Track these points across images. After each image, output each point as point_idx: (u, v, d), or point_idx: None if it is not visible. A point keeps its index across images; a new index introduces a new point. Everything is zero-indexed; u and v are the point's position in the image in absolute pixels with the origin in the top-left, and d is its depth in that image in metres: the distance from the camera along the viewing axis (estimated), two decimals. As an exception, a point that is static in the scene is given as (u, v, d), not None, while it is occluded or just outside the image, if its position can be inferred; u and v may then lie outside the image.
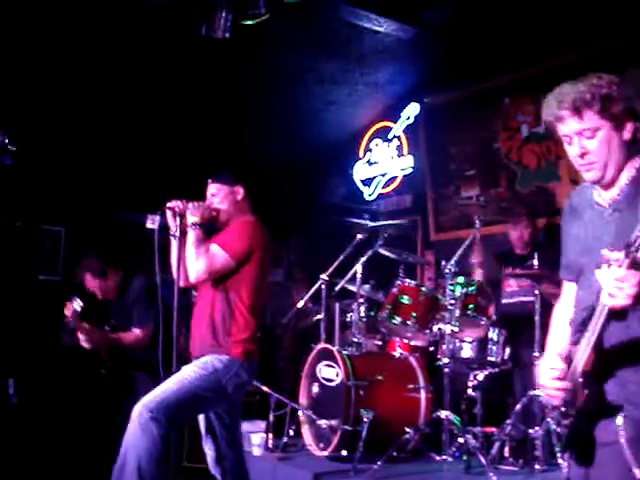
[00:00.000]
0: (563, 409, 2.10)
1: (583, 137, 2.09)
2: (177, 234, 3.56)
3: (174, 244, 3.59)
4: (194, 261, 3.52)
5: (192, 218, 3.58)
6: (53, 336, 7.27)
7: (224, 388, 3.47)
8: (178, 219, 3.57)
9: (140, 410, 3.28)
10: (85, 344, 4.72)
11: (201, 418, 3.70)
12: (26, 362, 6.32)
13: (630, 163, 2.12)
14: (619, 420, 2.00)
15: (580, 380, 2.02)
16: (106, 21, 5.58)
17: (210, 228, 3.73)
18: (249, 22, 5.14)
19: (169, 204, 3.58)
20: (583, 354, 2.00)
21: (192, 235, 3.56)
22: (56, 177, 7.09)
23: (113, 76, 6.29)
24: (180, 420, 3.51)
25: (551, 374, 2.12)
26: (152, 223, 3.52)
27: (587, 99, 2.04)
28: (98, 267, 4.88)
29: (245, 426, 5.10)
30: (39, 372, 6.31)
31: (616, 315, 1.93)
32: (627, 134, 2.09)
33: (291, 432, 5.02)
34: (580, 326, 2.08)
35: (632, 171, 2.12)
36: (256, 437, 4.90)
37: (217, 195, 3.76)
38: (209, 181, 3.82)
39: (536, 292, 4.63)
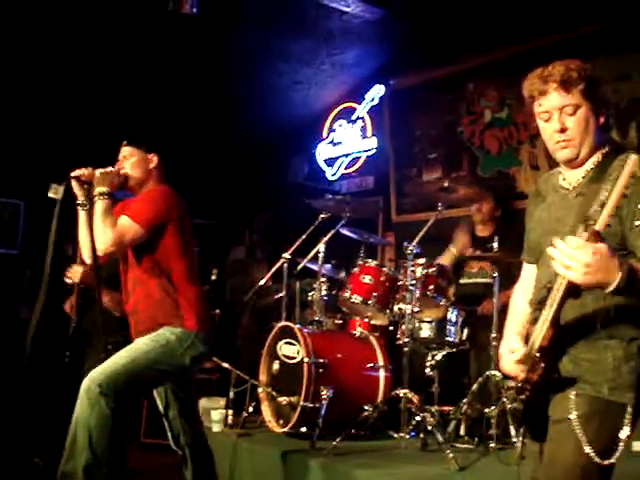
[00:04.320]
0: (519, 385, 2.15)
1: (564, 113, 2.16)
2: (85, 204, 3.41)
3: (82, 215, 3.44)
4: (102, 233, 3.31)
5: (100, 187, 3.39)
6: (11, 309, 7.22)
7: (180, 361, 3.40)
8: (85, 188, 3.39)
9: (88, 384, 3.19)
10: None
11: (157, 394, 3.65)
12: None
13: (599, 150, 2.21)
14: (571, 397, 2.08)
15: (537, 355, 2.08)
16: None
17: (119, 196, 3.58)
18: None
19: (74, 173, 3.39)
20: (540, 330, 2.07)
21: (100, 205, 3.36)
22: (15, 150, 6.99)
23: (74, 48, 6.20)
24: (131, 394, 3.38)
25: (512, 357, 2.20)
26: (55, 193, 3.28)
27: (574, 77, 2.13)
28: None
29: (205, 403, 5.13)
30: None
31: (572, 294, 2.00)
32: (602, 119, 2.19)
33: (251, 409, 5.04)
34: (538, 304, 2.15)
35: (599, 157, 2.21)
36: (216, 413, 4.91)
37: (129, 159, 3.60)
38: (123, 143, 3.66)
39: (495, 274, 4.71)
